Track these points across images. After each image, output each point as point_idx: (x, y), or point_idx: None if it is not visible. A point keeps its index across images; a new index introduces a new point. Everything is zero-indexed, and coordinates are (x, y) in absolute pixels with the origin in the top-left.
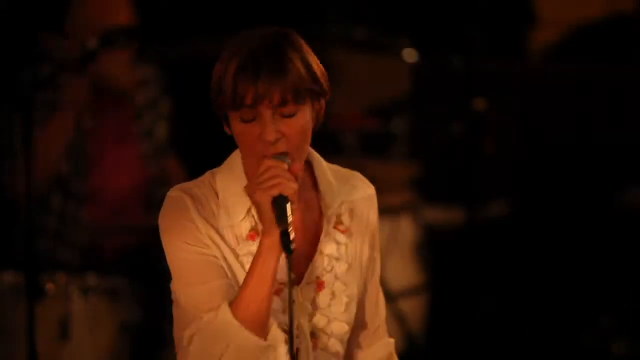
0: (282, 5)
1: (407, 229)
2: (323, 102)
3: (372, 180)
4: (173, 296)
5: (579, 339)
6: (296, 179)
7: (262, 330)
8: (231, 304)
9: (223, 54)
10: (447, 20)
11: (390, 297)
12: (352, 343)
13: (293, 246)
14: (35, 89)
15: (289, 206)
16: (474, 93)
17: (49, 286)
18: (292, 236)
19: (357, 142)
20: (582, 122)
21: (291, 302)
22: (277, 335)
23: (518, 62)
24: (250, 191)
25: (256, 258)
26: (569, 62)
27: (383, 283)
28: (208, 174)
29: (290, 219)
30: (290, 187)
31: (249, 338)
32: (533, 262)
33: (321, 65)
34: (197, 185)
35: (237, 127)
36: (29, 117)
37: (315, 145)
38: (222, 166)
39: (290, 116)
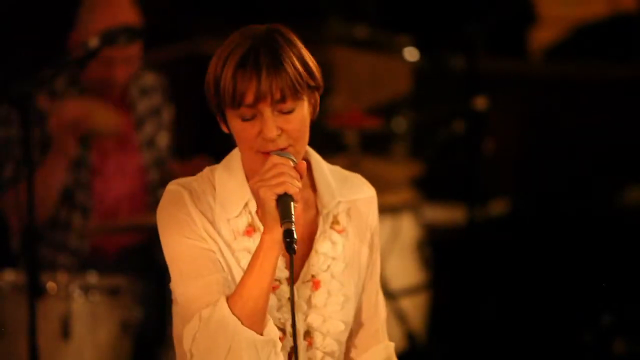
0: (283, 4)
1: (408, 228)
2: (317, 95)
3: (373, 179)
4: (173, 296)
5: (580, 337)
6: (300, 177)
7: (259, 325)
8: (229, 299)
9: (218, 52)
10: (448, 18)
11: (391, 296)
12: (351, 345)
13: (296, 246)
14: (36, 89)
15: (292, 205)
16: (474, 92)
17: (50, 285)
18: (296, 236)
19: (358, 140)
20: (583, 121)
21: (293, 300)
22: (274, 330)
23: (519, 60)
24: (253, 186)
25: (256, 254)
26: (570, 60)
27: (383, 281)
28: (207, 169)
29: (294, 218)
30: (295, 186)
31: (247, 333)
32: (533, 261)
33: (314, 60)
34: (195, 180)
35: (237, 125)
36: (27, 118)
37: (316, 144)
38: (221, 163)
39: (289, 112)
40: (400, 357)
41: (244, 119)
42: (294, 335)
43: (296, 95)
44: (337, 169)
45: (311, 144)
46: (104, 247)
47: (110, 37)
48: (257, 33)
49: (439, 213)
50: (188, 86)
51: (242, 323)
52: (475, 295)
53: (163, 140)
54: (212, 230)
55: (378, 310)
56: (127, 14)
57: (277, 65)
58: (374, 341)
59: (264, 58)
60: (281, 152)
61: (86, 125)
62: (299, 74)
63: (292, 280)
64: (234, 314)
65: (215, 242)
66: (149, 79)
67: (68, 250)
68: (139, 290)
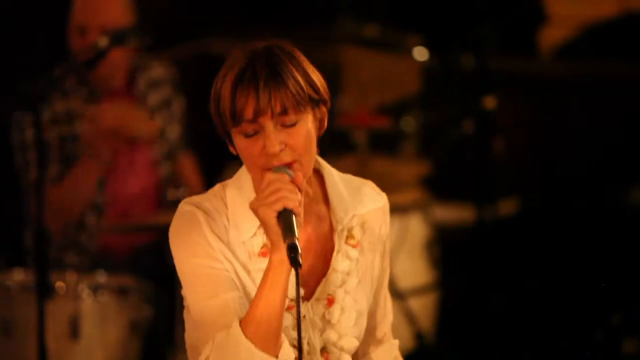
0: (293, 3)
1: (416, 227)
2: (324, 109)
3: (382, 179)
4: (184, 302)
5: (590, 336)
6: (299, 189)
7: (273, 347)
8: (242, 322)
9: (219, 73)
10: (458, 18)
11: (400, 296)
12: (358, 348)
13: (301, 260)
14: (46, 90)
15: (294, 219)
16: (484, 91)
17: (59, 284)
18: (300, 250)
19: (367, 140)
20: (593, 120)
21: (299, 317)
22: (289, 352)
23: (529, 60)
24: (253, 208)
25: (265, 274)
26: (580, 60)
27: (392, 281)
28: (218, 186)
29: (297, 232)
30: (293, 200)
31: (260, 356)
32: (542, 260)
33: (319, 75)
34: (208, 199)
35: (240, 143)
36: (38, 118)
37: (325, 143)
38: (232, 180)
39: (292, 125)
40: (409, 356)
41: (247, 136)
42: (300, 351)
43: (298, 108)
44: (348, 177)
45: (320, 143)
46: (115, 246)
47: (119, 38)
48: (255, 49)
49: (447, 213)
50: (198, 86)
51: (256, 346)
52: (484, 294)
53: (173, 132)
54: (227, 252)
55: (387, 315)
56: (118, 11)
57: (275, 77)
58: (380, 344)
59: (262, 71)
60: (278, 168)
61: (126, 131)
62: (300, 86)
63: (297, 296)
64: (247, 337)
65: (231, 263)
66: (158, 71)
67: (78, 249)
68: (148, 290)
